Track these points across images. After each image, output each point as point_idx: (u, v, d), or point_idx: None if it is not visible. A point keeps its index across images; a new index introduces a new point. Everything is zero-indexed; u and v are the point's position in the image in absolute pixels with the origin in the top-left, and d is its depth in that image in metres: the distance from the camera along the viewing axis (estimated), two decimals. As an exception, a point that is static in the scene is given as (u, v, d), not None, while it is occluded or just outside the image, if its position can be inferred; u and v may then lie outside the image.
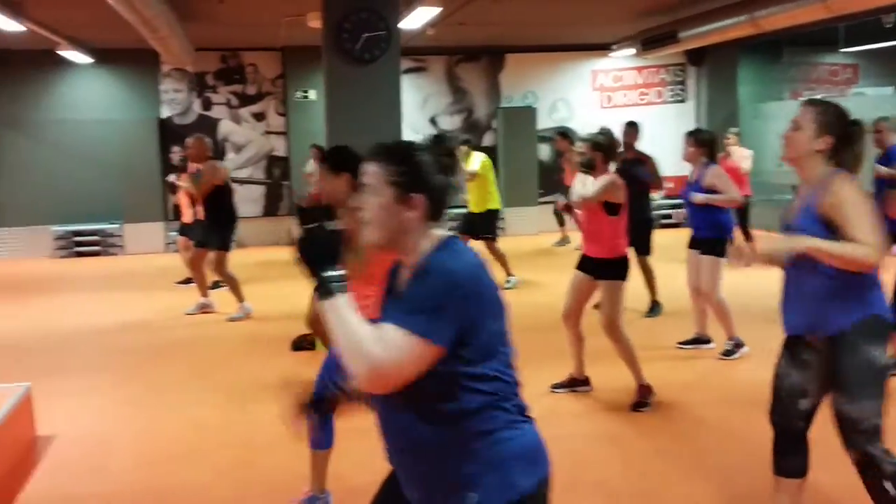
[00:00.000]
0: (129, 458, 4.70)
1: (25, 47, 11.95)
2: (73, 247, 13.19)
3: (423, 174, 1.99)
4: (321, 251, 1.91)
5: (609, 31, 13.11)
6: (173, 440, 4.98)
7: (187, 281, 10.01)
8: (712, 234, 6.14)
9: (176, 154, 10.00)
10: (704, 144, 6.20)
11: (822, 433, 3.26)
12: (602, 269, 5.25)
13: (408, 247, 2.01)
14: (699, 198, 6.09)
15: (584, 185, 5.43)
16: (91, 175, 13.22)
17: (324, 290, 1.87)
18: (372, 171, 2.01)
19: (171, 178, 10.06)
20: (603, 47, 14.35)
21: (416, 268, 1.96)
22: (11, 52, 12.52)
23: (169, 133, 13.34)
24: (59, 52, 11.59)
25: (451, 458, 1.95)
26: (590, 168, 5.37)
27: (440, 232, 2.03)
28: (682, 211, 6.57)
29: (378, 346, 1.81)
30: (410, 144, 2.06)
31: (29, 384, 5.01)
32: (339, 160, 3.78)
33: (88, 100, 13.41)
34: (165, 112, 13.63)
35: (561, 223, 12.49)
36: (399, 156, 2.01)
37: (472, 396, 1.93)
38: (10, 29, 9.29)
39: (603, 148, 5.38)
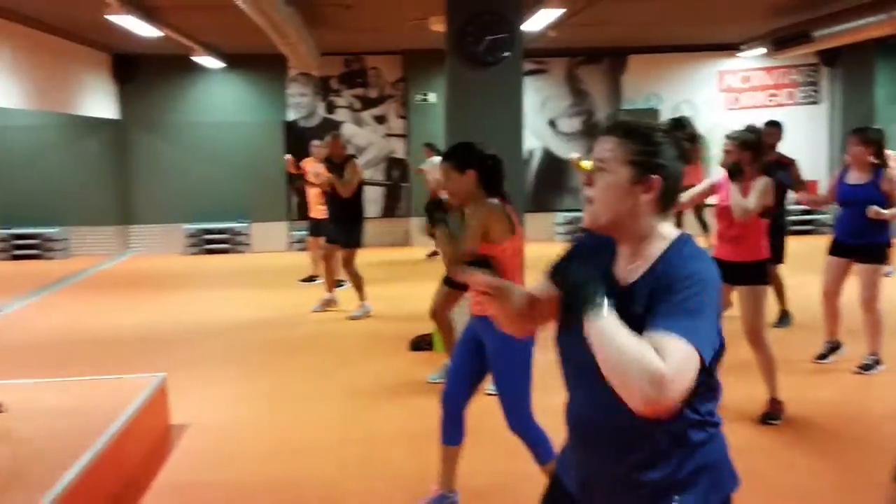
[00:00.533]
0: (258, 449, 4.84)
1: (161, 52, 12.52)
2: (203, 244, 13.74)
3: (663, 155, 1.85)
4: (586, 265, 1.75)
5: (737, 30, 12.71)
6: (300, 433, 5.10)
7: (310, 279, 10.28)
8: (874, 240, 5.79)
9: (318, 148, 10.00)
10: (872, 143, 5.77)
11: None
12: (742, 273, 4.97)
13: (633, 233, 1.87)
14: (875, 212, 5.60)
15: (737, 194, 4.94)
16: (220, 176, 13.74)
17: (592, 306, 1.69)
18: (608, 148, 1.86)
19: (310, 164, 10.21)
20: (730, 47, 13.93)
21: (660, 267, 1.82)
22: (148, 56, 13.16)
23: (294, 136, 13.71)
24: (192, 57, 12.09)
25: (665, 461, 1.84)
26: (738, 174, 4.92)
27: (671, 228, 1.89)
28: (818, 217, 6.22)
29: (664, 360, 1.61)
30: (650, 123, 1.92)
31: (164, 375, 5.23)
32: (465, 158, 3.74)
33: (219, 103, 13.95)
34: (291, 115, 14.04)
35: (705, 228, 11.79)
36: (640, 133, 1.87)
37: (700, 400, 1.83)
38: (148, 34, 9.75)
39: (752, 146, 5.00)
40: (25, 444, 4.14)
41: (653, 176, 1.84)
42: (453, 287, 5.71)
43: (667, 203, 1.88)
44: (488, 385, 5.47)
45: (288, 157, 10.24)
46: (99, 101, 12.82)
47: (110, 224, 13.64)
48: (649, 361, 1.61)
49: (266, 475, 4.45)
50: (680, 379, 1.63)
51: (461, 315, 5.53)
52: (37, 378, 5.50)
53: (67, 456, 3.87)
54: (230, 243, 13.82)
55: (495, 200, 3.72)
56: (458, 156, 3.77)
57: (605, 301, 1.70)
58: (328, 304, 8.73)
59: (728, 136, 5.14)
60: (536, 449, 3.61)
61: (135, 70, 13.51)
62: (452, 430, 3.78)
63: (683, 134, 1.92)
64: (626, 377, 1.63)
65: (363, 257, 8.85)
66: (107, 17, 8.45)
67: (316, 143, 10.41)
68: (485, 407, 5.00)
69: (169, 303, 9.64)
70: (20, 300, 9.63)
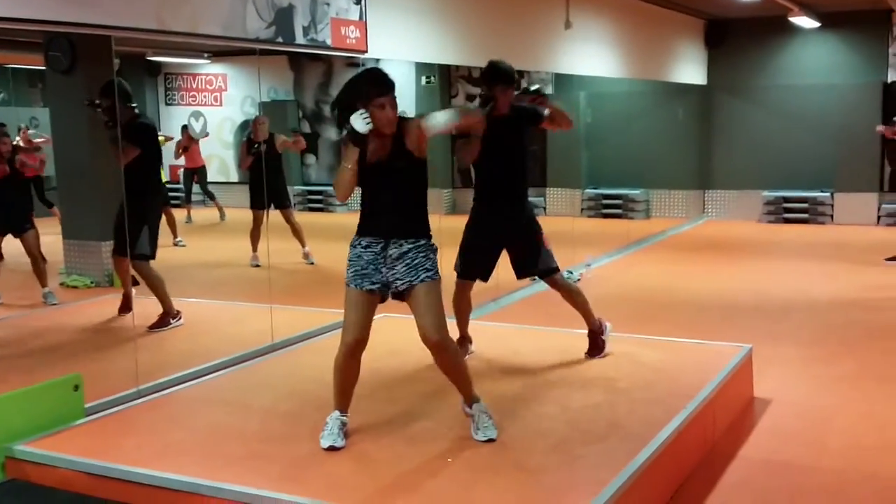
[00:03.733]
0: (845, 439, 4.52)
1: (754, 15, 12.31)
2: (781, 213, 13.28)
3: None
4: None
5: None
6: (891, 429, 4.63)
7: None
8: None
9: None
10: None
11: None
12: None
13: None
14: None
15: None
16: (803, 141, 13.09)
17: None
18: None
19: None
20: None
21: None
22: (740, 20, 13.04)
23: (892, 98, 12.42)
24: (789, 18, 11.62)
25: None
26: None
27: None
28: None
29: None
30: None
31: (750, 346, 5.14)
32: None
33: (810, 65, 13.23)
34: (892, 75, 12.71)
35: None
36: None
37: None
38: (747, -1, 9.62)
39: None
40: (623, 395, 4.42)
41: None
42: None
43: None
44: None
45: (880, 127, 9.26)
46: (689, 68, 13.07)
47: (688, 188, 13.93)
48: None
49: (867, 470, 4.11)
50: None
51: None
52: (619, 332, 5.73)
53: (661, 413, 4.03)
54: (810, 213, 13.14)
55: None
56: None
57: None
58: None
59: None
60: None
61: (725, 34, 13.48)
62: None
63: None
64: None
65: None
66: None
67: None
68: None
69: (745, 271, 9.52)
70: (607, 255, 10.37)
